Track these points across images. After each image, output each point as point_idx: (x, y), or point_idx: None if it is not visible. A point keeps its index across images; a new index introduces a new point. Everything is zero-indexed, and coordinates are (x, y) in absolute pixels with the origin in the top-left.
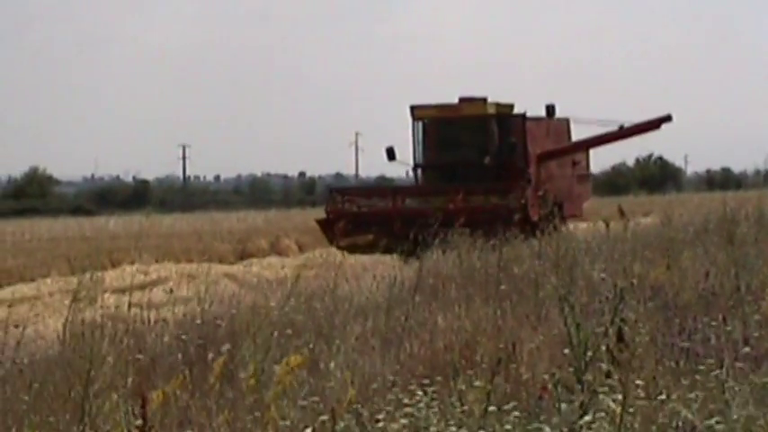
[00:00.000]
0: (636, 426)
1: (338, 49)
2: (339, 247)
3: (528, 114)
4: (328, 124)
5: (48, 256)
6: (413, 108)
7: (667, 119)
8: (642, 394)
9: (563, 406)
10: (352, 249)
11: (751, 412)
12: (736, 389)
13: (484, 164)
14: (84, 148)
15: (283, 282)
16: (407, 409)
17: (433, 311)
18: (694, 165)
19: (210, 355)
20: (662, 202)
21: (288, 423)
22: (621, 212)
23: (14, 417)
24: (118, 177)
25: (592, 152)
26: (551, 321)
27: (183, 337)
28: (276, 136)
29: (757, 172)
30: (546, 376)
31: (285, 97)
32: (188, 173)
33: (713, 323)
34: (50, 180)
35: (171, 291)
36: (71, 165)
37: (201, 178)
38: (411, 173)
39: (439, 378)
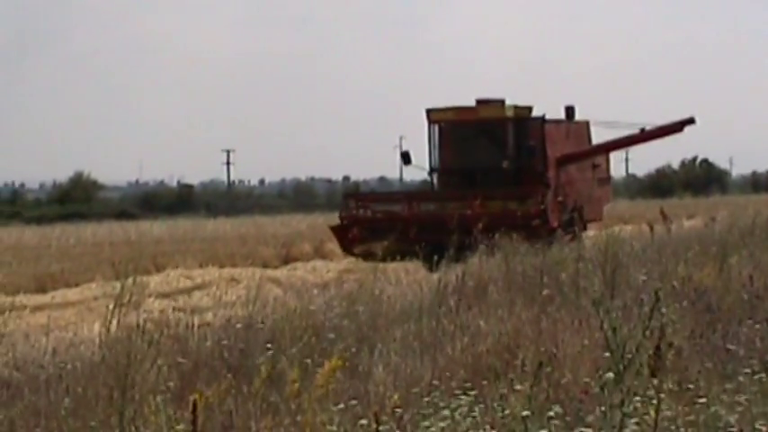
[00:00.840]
0: (674, 429)
1: (383, 54)
2: (353, 255)
3: (547, 117)
4: (372, 128)
5: (92, 260)
6: (428, 111)
7: (690, 121)
8: (684, 398)
9: (604, 410)
10: (367, 256)
11: None
12: None
13: (502, 168)
14: (129, 152)
15: (327, 286)
16: (448, 413)
17: (474, 315)
18: (739, 167)
19: (253, 360)
20: (707, 205)
21: (332, 428)
22: (664, 215)
23: (56, 421)
24: (162, 182)
25: (618, 154)
26: (593, 325)
27: (226, 342)
28: (320, 140)
29: None
30: (587, 380)
31: (329, 101)
32: (232, 177)
33: (757, 326)
34: (95, 185)
35: (215, 295)
36: (116, 169)
37: (246, 182)
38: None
39: (482, 382)
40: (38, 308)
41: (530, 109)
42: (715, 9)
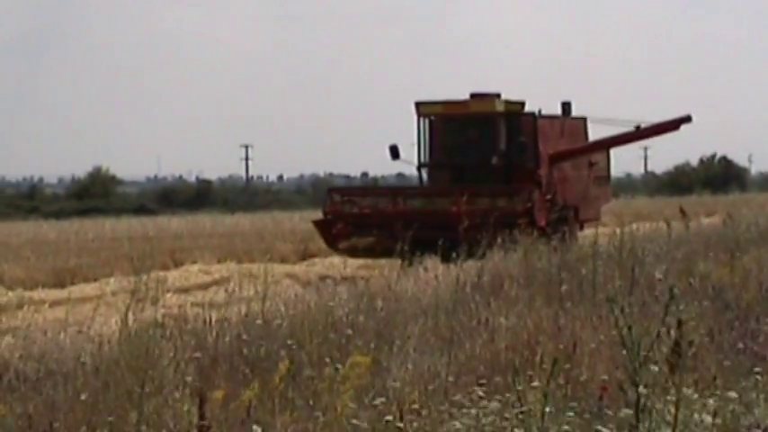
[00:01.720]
0: (693, 427)
1: (403, 50)
2: (338, 250)
3: (544, 112)
4: (391, 124)
5: (110, 255)
6: (417, 104)
7: (687, 119)
8: (701, 395)
9: (622, 407)
10: (352, 252)
11: None
12: None
13: (491, 164)
14: (148, 147)
15: (345, 281)
16: (467, 410)
17: (493, 311)
18: (759, 164)
19: (272, 356)
20: (725, 203)
21: (353, 422)
22: (683, 213)
23: (74, 416)
24: (181, 177)
25: (637, 151)
26: (612, 321)
27: (245, 337)
28: (339, 136)
29: None
30: (605, 377)
31: (348, 97)
32: (251, 173)
33: None
34: (113, 180)
35: (233, 291)
36: (134, 165)
37: (264, 178)
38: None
39: (498, 379)
40: (56, 302)
41: (522, 104)
42: (736, 4)
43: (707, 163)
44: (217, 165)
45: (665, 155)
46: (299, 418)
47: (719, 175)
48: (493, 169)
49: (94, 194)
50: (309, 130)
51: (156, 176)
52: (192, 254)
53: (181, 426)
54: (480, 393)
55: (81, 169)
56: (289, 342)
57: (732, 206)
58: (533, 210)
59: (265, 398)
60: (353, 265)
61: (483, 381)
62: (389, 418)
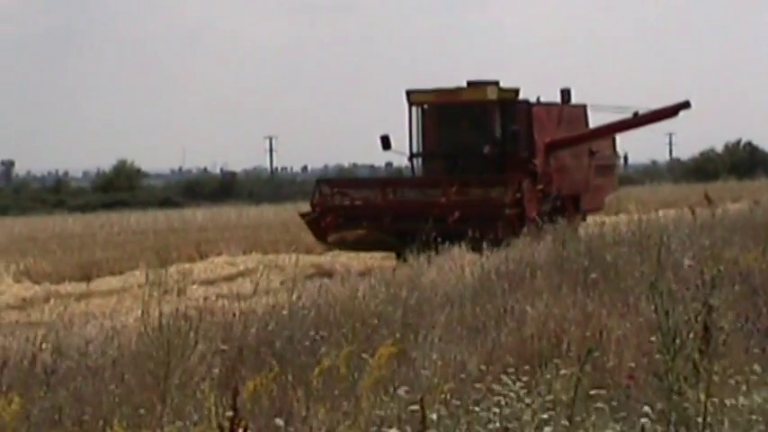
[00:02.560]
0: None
1: (428, 38)
2: (328, 244)
3: (542, 100)
4: None
5: (136, 248)
6: (408, 92)
7: (685, 105)
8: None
9: (650, 394)
10: (342, 246)
11: None
12: None
13: (484, 154)
14: (172, 140)
15: (371, 271)
16: (496, 399)
17: (519, 300)
18: None
19: (299, 347)
20: (751, 188)
21: (380, 412)
22: (708, 199)
23: (102, 408)
24: (205, 169)
25: (662, 138)
26: (639, 309)
27: (271, 328)
28: (363, 126)
29: None
30: (632, 364)
31: (372, 87)
32: (275, 164)
33: None
34: (139, 173)
35: (258, 282)
36: (159, 157)
37: (289, 169)
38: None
39: (525, 367)
40: (82, 296)
41: (516, 91)
42: None
43: (732, 149)
44: (241, 157)
45: (690, 141)
46: (329, 409)
47: (745, 161)
48: (485, 159)
49: (120, 188)
50: (333, 120)
51: (180, 169)
52: (217, 246)
53: (207, 418)
54: (507, 382)
55: (106, 163)
56: (316, 334)
57: (758, 192)
58: (523, 200)
59: (295, 389)
60: (379, 255)
61: (510, 369)
62: (414, 407)
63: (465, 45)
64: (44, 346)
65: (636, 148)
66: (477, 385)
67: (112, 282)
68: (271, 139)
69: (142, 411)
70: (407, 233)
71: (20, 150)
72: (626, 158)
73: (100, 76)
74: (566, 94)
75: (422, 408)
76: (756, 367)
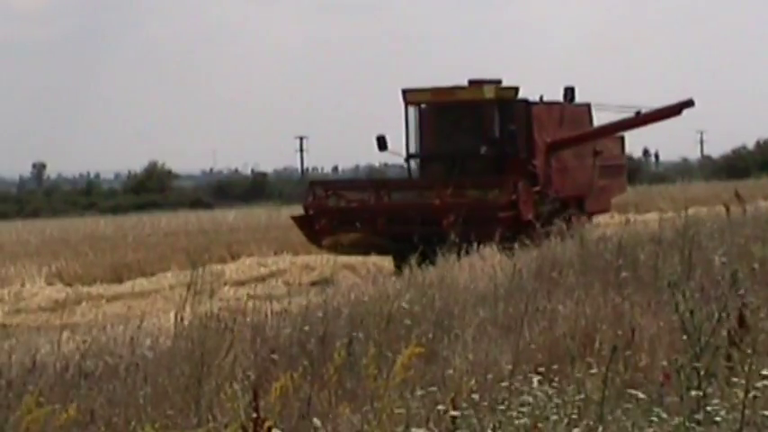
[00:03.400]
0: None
1: (459, 36)
2: (322, 247)
3: (546, 99)
4: None
5: (167, 249)
6: (404, 91)
7: (689, 104)
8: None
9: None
10: (337, 249)
11: None
12: None
13: (481, 154)
14: (203, 141)
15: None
16: (526, 398)
17: (551, 299)
18: None
19: (332, 347)
20: None
21: (408, 412)
22: (738, 197)
23: (134, 410)
24: (236, 170)
25: (692, 136)
26: (671, 307)
27: (304, 328)
28: (394, 126)
29: None
30: (665, 363)
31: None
32: (306, 164)
33: None
34: (169, 174)
35: (290, 282)
36: (190, 159)
37: (320, 169)
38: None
39: (556, 366)
40: (114, 297)
41: (515, 90)
42: None
43: (764, 146)
44: (272, 157)
45: (722, 138)
46: (357, 408)
47: None
48: (483, 160)
49: (151, 189)
50: (364, 120)
51: (211, 170)
52: (248, 246)
53: (239, 419)
54: (539, 381)
55: (137, 164)
56: (348, 333)
57: None
58: (518, 202)
59: (324, 389)
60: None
61: (541, 368)
62: (441, 407)
63: (497, 43)
64: (77, 348)
65: (667, 145)
66: (507, 384)
67: (144, 283)
68: (301, 139)
69: (170, 412)
70: (402, 236)
71: (51, 153)
72: (657, 156)
73: (130, 77)
74: (569, 92)
75: (453, 407)
76: None
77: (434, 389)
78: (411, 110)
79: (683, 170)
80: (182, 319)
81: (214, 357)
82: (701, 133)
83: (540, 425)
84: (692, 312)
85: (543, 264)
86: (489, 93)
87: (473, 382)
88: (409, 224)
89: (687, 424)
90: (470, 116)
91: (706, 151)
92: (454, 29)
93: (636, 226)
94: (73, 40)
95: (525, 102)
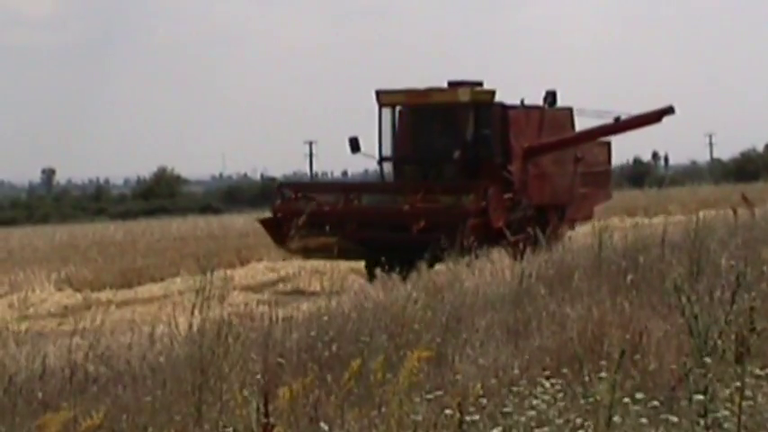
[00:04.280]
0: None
1: (469, 40)
2: (290, 251)
3: (527, 102)
4: None
5: (177, 255)
6: (378, 93)
7: (669, 111)
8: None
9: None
10: (306, 254)
11: None
12: None
13: (453, 159)
14: (212, 147)
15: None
16: (534, 401)
17: (559, 302)
18: None
19: (340, 352)
20: None
21: (417, 418)
22: (746, 200)
23: (143, 416)
24: (245, 175)
25: (702, 139)
26: (680, 310)
27: (313, 333)
28: None
29: None
30: (673, 366)
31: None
32: (315, 169)
33: None
34: (179, 180)
35: (299, 287)
36: (199, 164)
37: (329, 174)
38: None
39: (565, 370)
40: (123, 303)
41: (492, 93)
42: None
43: None
44: (281, 162)
45: (731, 142)
46: (366, 413)
47: None
48: (457, 164)
49: (160, 195)
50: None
51: (221, 175)
52: (257, 251)
53: (247, 424)
54: (547, 384)
55: (146, 170)
56: (357, 338)
57: None
58: (488, 209)
59: (333, 394)
60: None
61: (549, 372)
62: (449, 411)
63: (508, 47)
64: (86, 354)
65: (676, 149)
66: (516, 388)
67: (153, 289)
68: (311, 144)
69: (177, 418)
70: (371, 241)
71: (60, 158)
72: (666, 159)
73: (139, 83)
74: (550, 96)
75: (459, 411)
76: None
77: (441, 393)
78: (385, 111)
79: (693, 173)
80: (191, 325)
81: (223, 363)
82: (711, 136)
83: (547, 429)
84: (696, 317)
85: (551, 268)
86: (464, 96)
87: (479, 386)
88: (379, 229)
89: (695, 428)
90: (445, 119)
91: (715, 154)
92: (466, 34)
93: (642, 230)
94: (82, 46)
95: (502, 105)
